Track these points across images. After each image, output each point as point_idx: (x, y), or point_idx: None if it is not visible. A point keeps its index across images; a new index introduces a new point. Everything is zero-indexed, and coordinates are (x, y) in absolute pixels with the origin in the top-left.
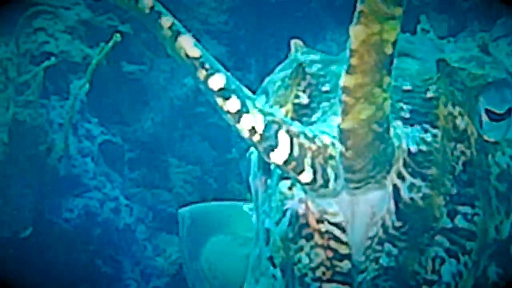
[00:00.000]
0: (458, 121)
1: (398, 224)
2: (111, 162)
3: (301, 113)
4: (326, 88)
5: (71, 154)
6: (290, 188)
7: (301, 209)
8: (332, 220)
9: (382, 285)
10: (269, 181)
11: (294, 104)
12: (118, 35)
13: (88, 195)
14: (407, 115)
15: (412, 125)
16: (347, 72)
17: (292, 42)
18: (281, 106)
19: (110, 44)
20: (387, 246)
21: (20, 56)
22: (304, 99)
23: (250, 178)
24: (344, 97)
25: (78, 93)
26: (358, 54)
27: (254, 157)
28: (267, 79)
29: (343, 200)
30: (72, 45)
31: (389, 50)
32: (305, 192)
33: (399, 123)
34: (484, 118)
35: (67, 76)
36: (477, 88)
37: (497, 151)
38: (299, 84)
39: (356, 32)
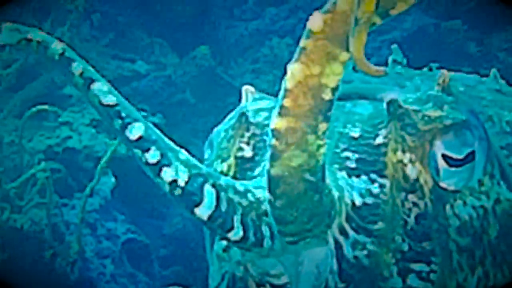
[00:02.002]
0: (409, 169)
1: (341, 285)
2: (136, 262)
3: (244, 167)
4: None
5: (87, 257)
6: (225, 250)
7: (239, 272)
8: (276, 282)
9: None
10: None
11: (237, 158)
12: None
13: None
14: (353, 165)
15: (358, 176)
16: (279, 114)
17: (243, 88)
18: (223, 161)
19: (116, 142)
20: None
21: (26, 154)
22: (247, 152)
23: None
24: (273, 141)
25: (87, 193)
26: (293, 95)
27: None
28: (214, 131)
29: (287, 260)
30: (96, 140)
31: (327, 95)
32: (243, 253)
33: (343, 173)
34: (442, 164)
35: (90, 172)
36: (432, 131)
37: (456, 201)
38: (242, 136)
39: (294, 70)
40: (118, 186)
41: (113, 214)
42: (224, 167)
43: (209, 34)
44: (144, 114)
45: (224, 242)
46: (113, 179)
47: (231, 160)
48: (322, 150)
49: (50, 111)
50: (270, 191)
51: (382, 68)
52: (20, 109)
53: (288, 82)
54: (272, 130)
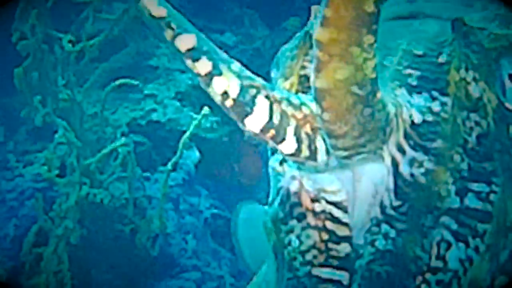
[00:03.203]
0: (472, 87)
1: (396, 203)
2: (219, 238)
3: (307, 85)
4: None
5: (169, 232)
6: (281, 164)
7: (293, 187)
8: (331, 198)
9: (377, 271)
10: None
11: (300, 76)
12: (206, 108)
13: (184, 276)
14: (415, 82)
15: (419, 93)
16: (321, 24)
17: (313, 8)
18: (286, 79)
19: (199, 117)
20: (385, 227)
21: (109, 127)
22: (310, 70)
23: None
24: (317, 52)
25: (170, 168)
26: (334, 5)
27: None
28: (280, 50)
29: (345, 177)
30: (181, 113)
31: (369, 7)
32: (299, 167)
33: (403, 90)
34: (508, 83)
35: (174, 146)
36: (498, 49)
37: None
38: (306, 54)
39: None
40: (202, 160)
41: (197, 189)
42: (287, 85)
43: (300, 6)
44: None
45: (280, 156)
46: (197, 153)
47: (294, 78)
48: (370, 64)
49: (133, 85)
50: (317, 103)
51: None
52: (105, 80)
53: None
54: (316, 41)
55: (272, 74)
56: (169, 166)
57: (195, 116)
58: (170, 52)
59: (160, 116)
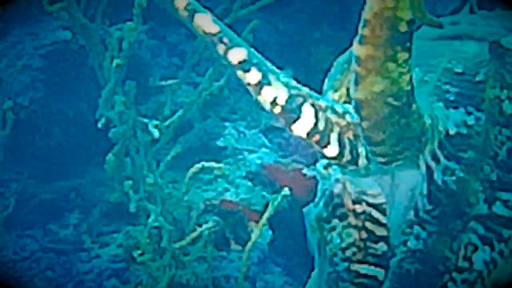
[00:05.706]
0: (505, 105)
1: (429, 207)
2: None
3: None
4: None
5: None
6: (326, 168)
7: (336, 189)
8: (372, 201)
9: (407, 268)
10: None
11: (348, 89)
12: (286, 190)
13: None
14: (452, 97)
15: (456, 108)
16: (359, 42)
17: None
18: (335, 91)
19: (279, 197)
20: (417, 228)
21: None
22: None
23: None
24: (356, 67)
25: (250, 248)
26: (370, 25)
27: None
28: (335, 62)
29: (385, 182)
30: (253, 192)
31: (403, 28)
32: (344, 172)
33: (441, 104)
34: None
35: (247, 226)
36: None
37: None
38: None
39: (371, 2)
40: (275, 239)
41: (271, 267)
42: (336, 96)
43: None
44: (300, 166)
45: (325, 161)
46: (270, 232)
47: (343, 90)
48: (405, 77)
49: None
50: (356, 112)
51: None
52: (175, 161)
53: (366, 13)
54: (354, 57)
55: (325, 86)
56: (250, 246)
57: (267, 196)
58: (236, 132)
59: (232, 196)
